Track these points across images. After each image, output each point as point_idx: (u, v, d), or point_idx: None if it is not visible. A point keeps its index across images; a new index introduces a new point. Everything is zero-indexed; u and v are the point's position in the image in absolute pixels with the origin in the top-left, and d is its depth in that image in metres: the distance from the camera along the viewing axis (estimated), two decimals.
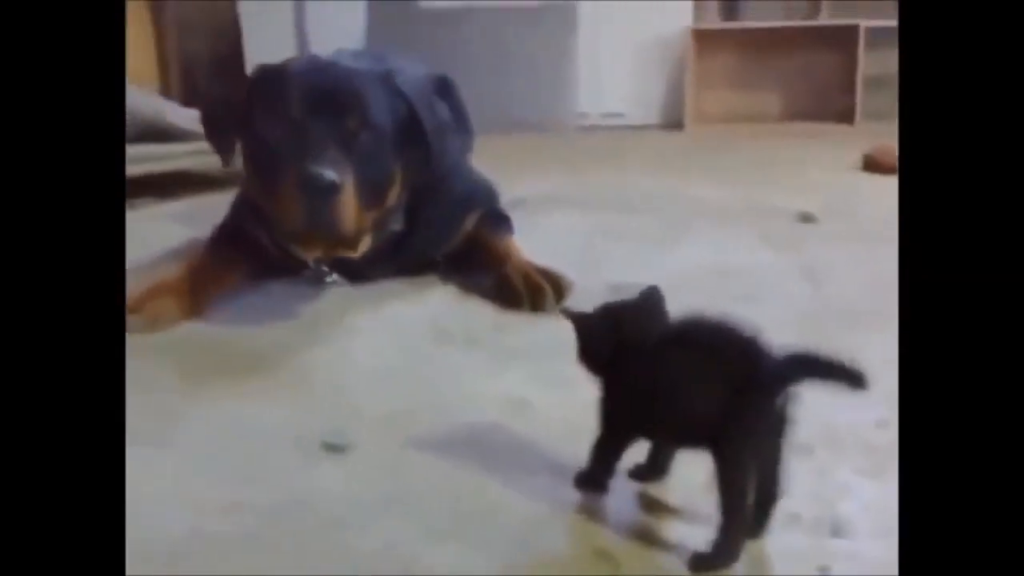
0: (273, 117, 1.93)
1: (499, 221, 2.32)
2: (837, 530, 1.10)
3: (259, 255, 2.14)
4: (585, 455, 1.17)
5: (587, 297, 1.90)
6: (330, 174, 1.80)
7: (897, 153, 3.09)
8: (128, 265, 2.12)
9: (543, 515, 1.15)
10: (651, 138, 5.14)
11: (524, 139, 4.90)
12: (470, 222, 2.26)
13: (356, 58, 2.26)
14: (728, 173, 3.76)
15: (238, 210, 2.25)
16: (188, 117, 3.58)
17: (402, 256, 2.19)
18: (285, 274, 2.16)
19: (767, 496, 1.05)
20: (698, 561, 1.03)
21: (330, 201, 1.81)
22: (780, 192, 3.21)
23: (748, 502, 1.03)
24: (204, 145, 3.36)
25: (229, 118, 2.05)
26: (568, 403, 1.40)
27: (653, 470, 1.20)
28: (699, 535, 1.05)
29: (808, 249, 2.42)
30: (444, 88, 2.29)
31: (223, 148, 2.10)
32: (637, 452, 1.18)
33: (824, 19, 5.49)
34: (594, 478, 1.18)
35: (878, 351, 1.32)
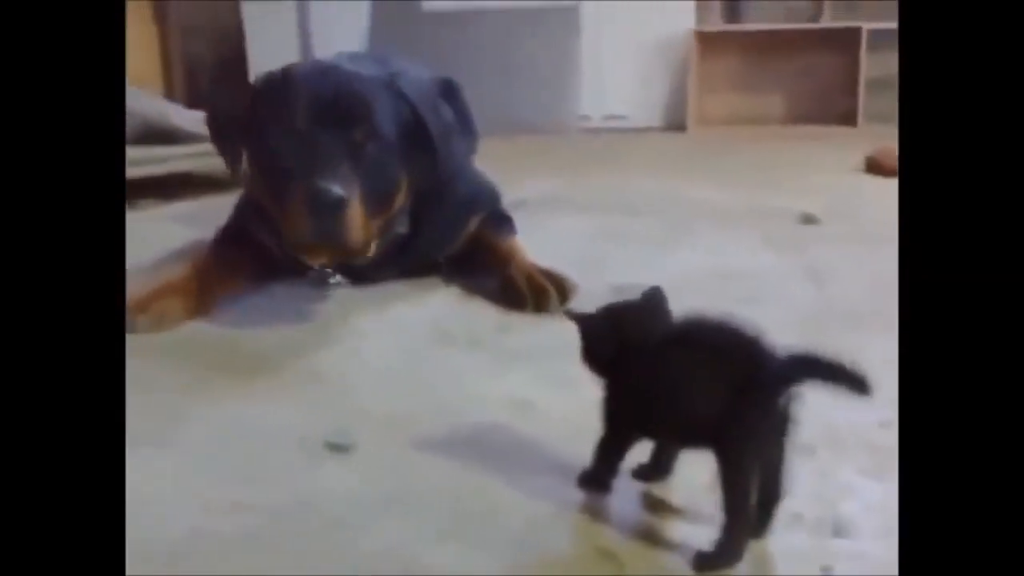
0: (279, 128, 1.94)
1: (502, 223, 2.33)
2: (840, 530, 1.11)
3: (263, 256, 2.15)
4: (588, 455, 1.18)
5: (590, 299, 1.90)
6: (337, 190, 1.81)
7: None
8: (132, 266, 2.12)
9: (546, 515, 1.16)
10: (653, 140, 5.15)
11: (527, 141, 4.91)
12: (473, 224, 2.26)
13: (359, 61, 2.26)
14: (730, 175, 3.77)
15: (242, 212, 2.25)
16: (192, 119, 3.60)
17: (406, 258, 2.19)
18: (289, 275, 2.16)
19: (770, 496, 1.06)
20: (701, 561, 1.03)
21: (337, 215, 1.82)
22: (782, 194, 3.21)
23: (751, 502, 1.03)
24: (208, 147, 3.37)
25: (235, 128, 2.06)
26: (571, 403, 1.40)
27: (656, 470, 1.20)
28: (702, 535, 1.05)
29: (810, 251, 2.42)
30: (448, 90, 2.29)
31: (231, 159, 2.10)
32: (640, 452, 1.18)
33: (826, 21, 5.50)
34: (597, 478, 1.18)
35: (880, 352, 1.32)
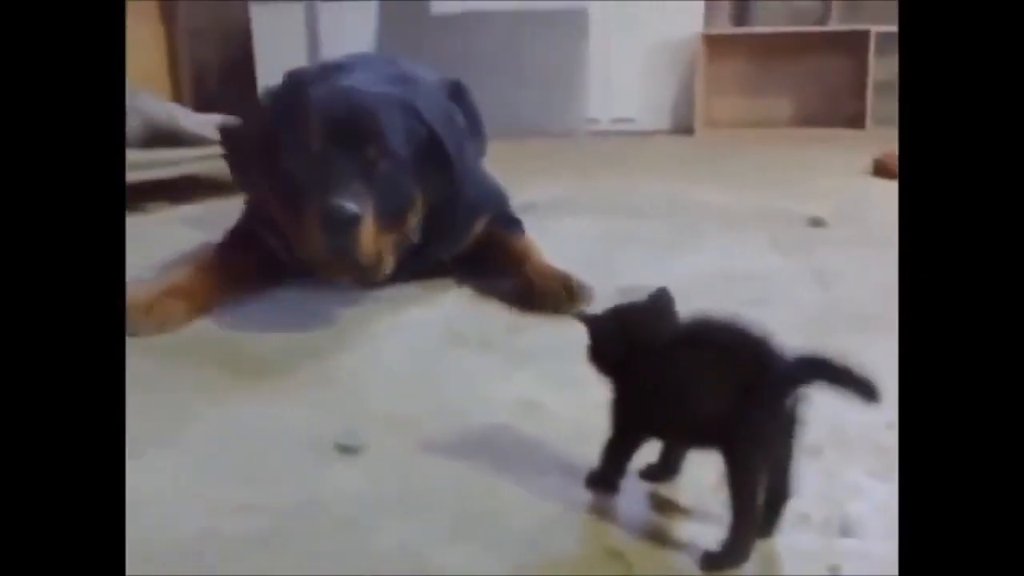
0: (293, 149, 1.96)
1: (510, 224, 2.33)
2: (847, 530, 1.11)
3: (271, 260, 2.16)
4: (596, 456, 1.18)
5: (598, 300, 1.91)
6: (351, 207, 1.83)
7: None
8: (141, 268, 2.14)
9: (554, 515, 1.16)
10: (661, 143, 5.15)
11: (535, 144, 4.92)
12: (480, 225, 2.27)
13: (369, 65, 2.26)
14: (738, 178, 3.77)
15: (250, 215, 2.27)
16: (200, 122, 3.61)
17: (415, 261, 2.20)
18: (298, 279, 2.17)
19: (777, 496, 1.06)
20: (709, 560, 1.03)
21: (351, 231, 1.84)
22: (790, 197, 3.21)
23: (758, 502, 1.03)
24: (216, 150, 3.40)
25: (251, 156, 2.09)
26: (579, 404, 1.41)
27: (664, 470, 1.20)
28: (710, 535, 1.06)
29: (818, 254, 2.42)
30: (457, 93, 2.30)
31: (246, 185, 2.13)
32: (649, 452, 1.19)
33: (834, 24, 5.49)
34: (605, 478, 1.19)
35: (887, 355, 1.31)
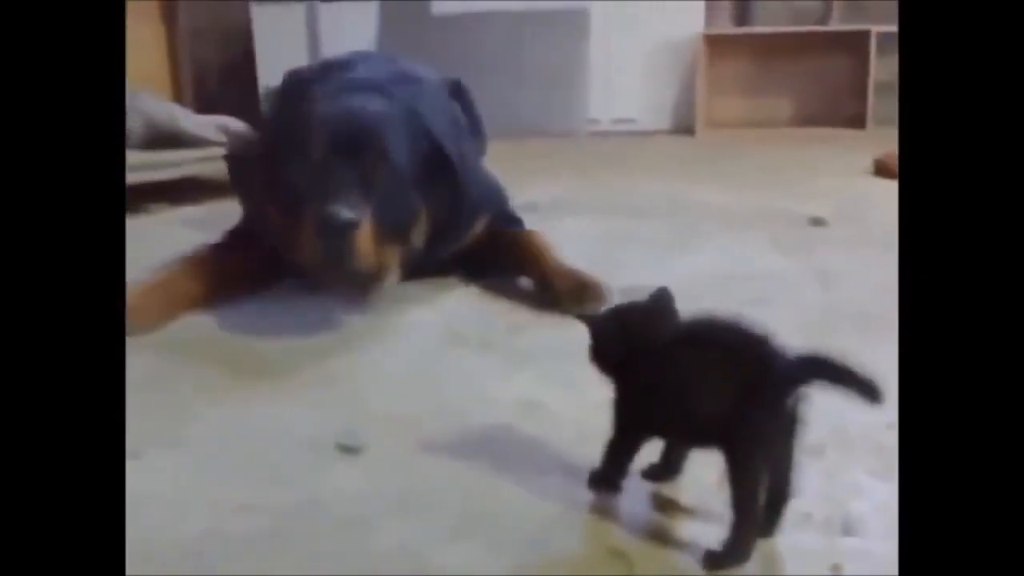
0: (295, 161, 1.97)
1: (510, 223, 2.33)
2: (849, 530, 1.11)
3: (271, 261, 2.15)
4: (598, 455, 1.18)
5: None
6: (346, 213, 1.84)
7: None
8: (142, 270, 2.14)
9: (556, 515, 1.16)
10: (662, 143, 5.15)
11: (535, 144, 4.92)
12: (480, 225, 2.27)
13: (370, 63, 2.27)
14: (739, 178, 3.77)
15: (252, 216, 2.26)
16: (201, 123, 3.61)
17: (415, 261, 2.19)
18: (299, 280, 2.16)
19: (779, 496, 1.06)
20: (711, 560, 1.03)
21: (346, 237, 1.84)
22: (791, 197, 3.21)
23: (759, 501, 1.03)
24: (217, 151, 3.40)
25: (252, 174, 2.10)
26: (580, 404, 1.41)
27: (666, 470, 1.20)
28: (712, 534, 1.06)
29: (819, 254, 2.42)
30: (457, 92, 2.30)
31: (247, 200, 2.14)
32: (651, 452, 1.19)
33: (835, 24, 5.49)
34: (607, 478, 1.19)
35: (888, 355, 1.31)
